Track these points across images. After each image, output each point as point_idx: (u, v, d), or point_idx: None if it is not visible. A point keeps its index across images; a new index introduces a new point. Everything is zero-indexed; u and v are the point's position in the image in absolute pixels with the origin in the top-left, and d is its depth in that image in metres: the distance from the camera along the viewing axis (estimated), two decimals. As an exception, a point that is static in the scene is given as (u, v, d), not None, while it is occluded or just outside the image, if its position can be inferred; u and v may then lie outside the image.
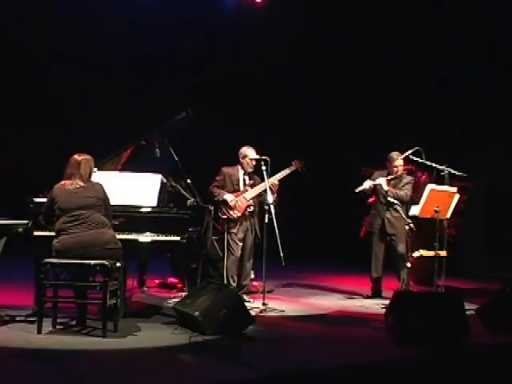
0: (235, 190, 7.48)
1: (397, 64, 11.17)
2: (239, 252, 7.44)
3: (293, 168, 7.53)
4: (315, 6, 11.31)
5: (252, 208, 7.45)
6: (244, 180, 7.55)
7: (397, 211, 7.46)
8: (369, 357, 5.29)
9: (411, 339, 5.54)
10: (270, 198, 7.00)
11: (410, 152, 7.63)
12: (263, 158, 7.15)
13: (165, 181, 6.67)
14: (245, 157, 7.46)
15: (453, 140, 10.44)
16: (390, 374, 5.08)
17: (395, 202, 7.46)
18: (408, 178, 7.88)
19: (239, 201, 7.39)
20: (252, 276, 7.75)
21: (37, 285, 5.91)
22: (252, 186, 7.49)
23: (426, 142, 7.64)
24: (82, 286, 5.77)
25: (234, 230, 7.43)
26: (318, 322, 6.62)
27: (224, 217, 7.42)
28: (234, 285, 7.30)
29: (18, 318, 5.95)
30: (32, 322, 5.74)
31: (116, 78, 10.96)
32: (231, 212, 7.38)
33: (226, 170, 7.55)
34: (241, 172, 7.54)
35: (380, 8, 11.12)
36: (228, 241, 7.41)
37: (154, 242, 6.19)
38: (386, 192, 7.67)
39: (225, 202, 7.38)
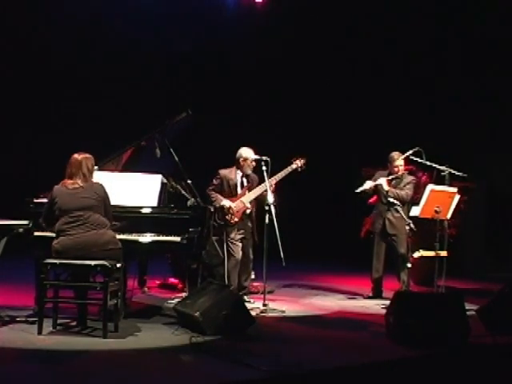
0: (232, 194, 7.43)
1: (398, 64, 11.18)
2: (240, 253, 7.40)
3: (294, 166, 7.49)
4: (315, 6, 11.31)
5: (249, 211, 7.42)
6: (242, 182, 7.50)
7: (397, 211, 7.45)
8: (369, 357, 5.30)
9: (411, 339, 5.54)
10: (271, 198, 6.98)
11: (410, 152, 7.63)
12: (264, 158, 7.13)
13: (165, 181, 6.66)
14: (245, 159, 7.40)
15: (453, 140, 10.44)
16: (390, 374, 5.08)
17: (396, 202, 7.46)
18: (409, 178, 7.88)
19: (236, 206, 7.35)
20: (252, 276, 7.74)
21: (37, 285, 5.90)
22: (249, 188, 7.45)
23: (426, 143, 7.65)
24: (83, 286, 5.78)
25: (232, 234, 7.36)
26: (318, 323, 6.62)
27: (222, 223, 7.36)
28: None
29: (18, 319, 5.95)
30: (32, 323, 5.74)
31: (116, 78, 10.96)
32: (229, 218, 7.33)
33: (223, 172, 7.48)
34: (238, 174, 7.47)
35: (382, 8, 11.14)
36: (228, 244, 7.36)
37: (154, 243, 6.18)
38: (387, 192, 7.67)
39: (222, 207, 7.33)
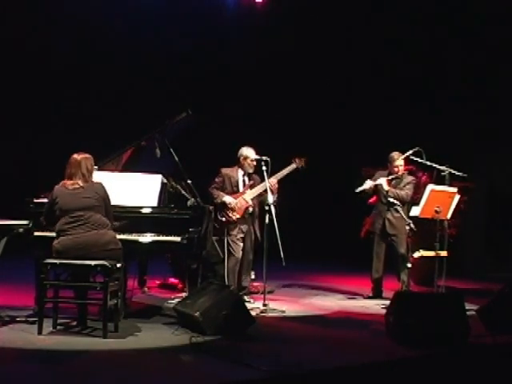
0: (234, 192, 7.46)
1: (397, 64, 11.18)
2: (240, 252, 7.43)
3: (294, 166, 7.50)
4: (315, 6, 11.30)
5: (251, 209, 7.44)
6: (243, 181, 7.54)
7: (397, 211, 7.45)
8: (369, 357, 5.30)
9: (411, 339, 5.54)
10: (271, 198, 6.98)
11: (410, 152, 7.63)
12: (264, 158, 7.13)
13: (165, 181, 6.66)
14: (246, 158, 7.44)
15: (453, 140, 10.44)
16: (390, 374, 5.08)
17: (396, 202, 7.46)
18: (409, 178, 7.88)
19: (238, 203, 7.38)
20: (252, 276, 7.75)
21: (37, 285, 5.90)
22: (251, 186, 7.48)
23: (426, 143, 7.65)
24: (83, 286, 5.78)
25: (234, 232, 7.41)
26: (318, 323, 6.62)
27: (223, 219, 7.40)
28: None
29: (18, 319, 5.95)
30: (32, 323, 5.74)
31: (116, 78, 10.96)
32: (230, 214, 7.37)
33: (225, 171, 7.53)
34: (240, 173, 7.52)
35: (382, 8, 11.14)
36: (228, 242, 7.40)
37: (154, 243, 6.18)
38: (387, 192, 7.67)
39: (224, 204, 7.36)
